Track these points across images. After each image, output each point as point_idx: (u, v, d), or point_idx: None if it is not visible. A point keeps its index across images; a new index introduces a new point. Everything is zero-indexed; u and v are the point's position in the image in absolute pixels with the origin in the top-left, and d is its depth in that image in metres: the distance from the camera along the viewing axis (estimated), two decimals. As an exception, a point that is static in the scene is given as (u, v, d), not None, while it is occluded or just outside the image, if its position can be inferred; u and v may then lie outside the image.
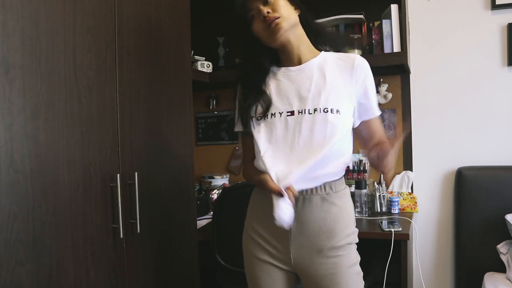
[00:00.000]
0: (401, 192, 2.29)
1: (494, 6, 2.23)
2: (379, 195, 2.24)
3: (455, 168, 2.32)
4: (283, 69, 1.27)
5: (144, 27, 1.50)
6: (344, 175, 1.27)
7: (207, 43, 2.66)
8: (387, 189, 2.31)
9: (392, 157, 1.13)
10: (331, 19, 2.27)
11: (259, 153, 1.20)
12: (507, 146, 2.25)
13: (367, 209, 2.17)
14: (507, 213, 1.99)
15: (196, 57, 2.47)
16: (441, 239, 2.38)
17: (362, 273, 1.22)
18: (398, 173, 2.37)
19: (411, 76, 2.39)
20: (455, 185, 2.31)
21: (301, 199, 1.19)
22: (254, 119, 1.24)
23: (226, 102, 2.79)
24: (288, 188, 1.10)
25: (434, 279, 2.40)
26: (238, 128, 1.30)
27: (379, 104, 1.43)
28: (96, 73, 1.26)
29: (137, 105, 1.44)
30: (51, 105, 1.10)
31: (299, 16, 1.24)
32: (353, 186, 2.16)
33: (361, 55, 1.46)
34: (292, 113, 1.20)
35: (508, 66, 2.23)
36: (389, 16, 2.13)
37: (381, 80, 2.39)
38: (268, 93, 1.25)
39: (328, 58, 1.25)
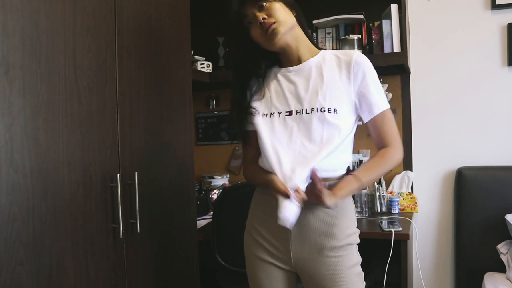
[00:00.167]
0: (401, 192, 2.29)
1: (494, 6, 2.23)
2: (379, 195, 2.24)
3: (455, 168, 2.32)
4: (283, 69, 1.28)
5: (144, 27, 1.50)
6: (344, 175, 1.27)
7: (207, 43, 2.66)
8: (387, 189, 2.31)
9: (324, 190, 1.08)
10: (331, 19, 2.27)
11: (265, 152, 1.20)
12: (507, 146, 2.25)
13: (367, 209, 2.18)
14: (507, 213, 1.99)
15: (196, 57, 2.47)
16: (441, 239, 2.38)
17: (363, 274, 1.22)
18: (398, 173, 2.37)
19: (411, 76, 2.40)
20: (455, 185, 2.31)
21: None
22: (256, 117, 1.24)
23: (226, 102, 2.79)
24: (296, 190, 1.10)
25: (434, 279, 2.40)
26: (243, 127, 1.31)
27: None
28: (96, 73, 1.25)
29: (137, 105, 1.44)
30: (51, 105, 1.10)
31: (296, 17, 1.24)
32: (353, 186, 2.16)
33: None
34: (290, 113, 1.20)
35: (508, 66, 2.23)
36: (389, 16, 2.13)
37: (381, 80, 2.36)
38: (268, 93, 1.26)
39: (327, 56, 1.25)
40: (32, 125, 1.05)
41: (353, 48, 2.16)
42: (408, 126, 2.40)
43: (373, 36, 2.23)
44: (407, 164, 2.40)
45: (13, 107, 1.00)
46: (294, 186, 1.10)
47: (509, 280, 1.89)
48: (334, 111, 1.16)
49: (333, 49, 2.32)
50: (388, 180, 2.36)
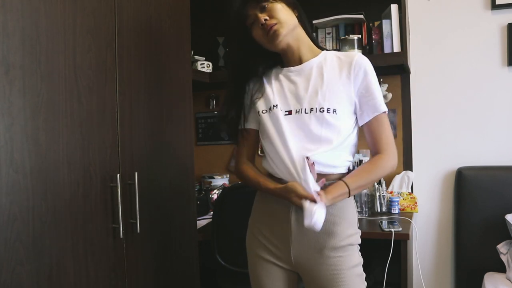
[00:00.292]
0: (401, 192, 2.29)
1: (494, 6, 2.23)
2: (379, 195, 2.24)
3: (455, 168, 2.32)
4: (284, 69, 1.28)
5: (144, 27, 1.50)
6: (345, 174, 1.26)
7: (207, 43, 2.66)
8: (387, 189, 2.31)
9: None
10: (331, 19, 2.27)
11: (277, 154, 1.19)
12: (507, 146, 2.25)
13: (367, 209, 2.18)
14: (507, 213, 1.99)
15: (196, 57, 2.47)
16: (441, 239, 2.38)
17: (364, 275, 1.21)
18: (398, 173, 2.37)
19: (411, 76, 2.40)
20: (455, 185, 2.31)
21: None
22: (261, 115, 1.25)
23: (226, 102, 2.78)
24: (318, 193, 1.10)
25: (434, 279, 2.40)
26: (241, 125, 1.31)
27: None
28: (96, 73, 1.25)
29: (137, 105, 1.44)
30: (51, 105, 1.10)
31: (297, 17, 1.24)
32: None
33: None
34: (289, 112, 1.21)
35: (508, 66, 2.23)
36: (389, 16, 2.13)
37: (381, 80, 2.38)
38: (269, 93, 1.26)
39: (328, 57, 1.26)
40: (32, 125, 1.05)
41: (353, 48, 2.16)
42: (408, 126, 2.40)
43: (373, 36, 2.23)
44: (407, 164, 2.40)
45: (13, 107, 1.00)
46: (317, 189, 1.10)
47: (509, 280, 1.89)
48: (333, 111, 1.16)
49: (333, 49, 2.32)
50: (388, 180, 2.36)
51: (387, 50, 2.15)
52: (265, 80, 1.30)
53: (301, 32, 1.25)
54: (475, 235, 2.17)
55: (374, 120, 1.22)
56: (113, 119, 1.33)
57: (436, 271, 2.40)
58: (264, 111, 1.24)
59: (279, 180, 1.20)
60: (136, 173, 1.37)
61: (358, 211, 2.11)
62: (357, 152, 2.37)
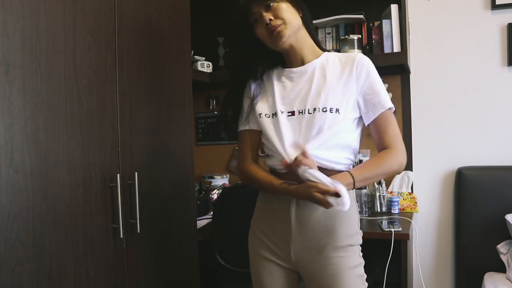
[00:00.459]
0: (401, 192, 2.29)
1: (494, 6, 2.23)
2: (379, 195, 2.24)
3: (455, 168, 2.32)
4: (286, 70, 1.28)
5: (144, 27, 1.50)
6: None
7: (207, 43, 2.66)
8: (387, 189, 2.32)
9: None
10: (331, 19, 2.27)
11: (275, 150, 1.19)
12: (507, 146, 2.25)
13: (367, 209, 2.18)
14: (507, 213, 1.99)
15: (196, 57, 2.47)
16: (441, 239, 2.38)
17: (365, 276, 1.21)
18: (398, 173, 2.37)
19: (411, 76, 2.39)
20: (455, 185, 2.31)
21: None
22: (262, 117, 1.25)
23: (226, 102, 2.78)
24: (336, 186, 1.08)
25: (434, 279, 2.40)
26: (242, 127, 1.31)
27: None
28: (96, 73, 1.25)
29: (137, 105, 1.44)
30: (51, 105, 1.10)
31: (302, 18, 1.24)
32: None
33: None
34: (292, 113, 1.21)
35: (508, 66, 2.23)
36: (389, 16, 2.13)
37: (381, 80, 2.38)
38: (271, 94, 1.26)
39: (330, 58, 1.26)
40: (32, 125, 1.05)
41: (353, 48, 2.16)
42: (408, 126, 2.40)
43: (373, 36, 2.23)
44: (407, 164, 2.37)
45: (13, 107, 1.00)
46: (333, 181, 1.08)
47: (509, 280, 1.89)
48: (336, 111, 1.17)
49: (333, 49, 2.32)
50: (388, 180, 2.36)
51: (387, 50, 2.15)
52: (266, 81, 1.30)
53: (304, 33, 1.25)
54: (475, 235, 2.17)
55: (380, 117, 1.21)
56: (113, 119, 1.33)
57: (436, 271, 2.40)
58: (267, 115, 1.24)
59: (285, 176, 1.20)
60: (136, 173, 1.37)
61: (358, 211, 2.11)
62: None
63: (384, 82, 2.43)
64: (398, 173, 2.35)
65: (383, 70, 2.30)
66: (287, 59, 1.28)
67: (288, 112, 1.21)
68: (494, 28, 2.25)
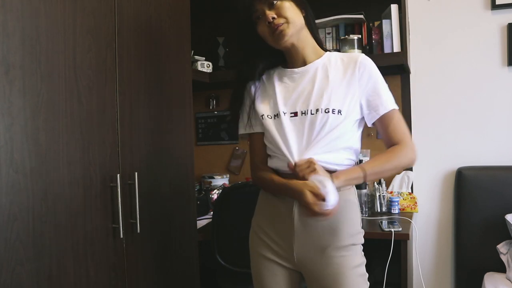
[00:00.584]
0: (401, 192, 2.29)
1: (494, 6, 2.23)
2: (379, 195, 2.24)
3: (455, 168, 2.32)
4: (288, 70, 1.28)
5: (144, 27, 1.50)
6: None
7: (207, 43, 2.66)
8: (387, 189, 2.32)
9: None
10: (331, 19, 2.27)
11: (282, 155, 1.19)
12: (507, 146, 2.25)
13: (367, 209, 2.18)
14: (507, 213, 1.99)
15: (196, 57, 2.47)
16: (441, 239, 2.38)
17: (366, 275, 1.22)
18: (398, 173, 2.37)
19: (411, 76, 2.39)
20: (455, 185, 2.31)
21: None
22: (265, 119, 1.24)
23: (226, 102, 2.76)
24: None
25: (434, 279, 2.40)
26: (244, 130, 1.31)
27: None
28: (96, 73, 1.25)
29: (137, 105, 1.44)
30: (51, 105, 1.10)
31: (304, 17, 1.23)
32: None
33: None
34: (295, 114, 1.21)
35: (508, 66, 2.23)
36: (389, 16, 2.13)
37: (381, 80, 2.39)
38: (273, 94, 1.26)
39: (332, 58, 1.25)
40: (32, 125, 1.05)
41: (353, 48, 2.16)
42: (408, 126, 2.38)
43: (373, 36, 2.23)
44: (407, 164, 2.40)
45: (13, 107, 1.00)
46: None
47: (509, 280, 1.89)
48: (339, 112, 1.17)
49: (333, 49, 2.32)
50: (388, 180, 2.36)
51: (387, 50, 2.14)
52: (267, 82, 1.30)
53: (306, 33, 1.25)
54: (475, 235, 2.17)
55: (385, 117, 1.20)
56: (113, 119, 1.33)
57: (436, 271, 2.40)
58: (269, 116, 1.24)
59: (289, 178, 1.19)
60: (136, 173, 1.37)
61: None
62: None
63: (384, 82, 2.43)
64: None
65: (383, 70, 2.27)
66: (288, 59, 1.28)
67: (291, 113, 1.21)
68: (494, 28, 2.25)
